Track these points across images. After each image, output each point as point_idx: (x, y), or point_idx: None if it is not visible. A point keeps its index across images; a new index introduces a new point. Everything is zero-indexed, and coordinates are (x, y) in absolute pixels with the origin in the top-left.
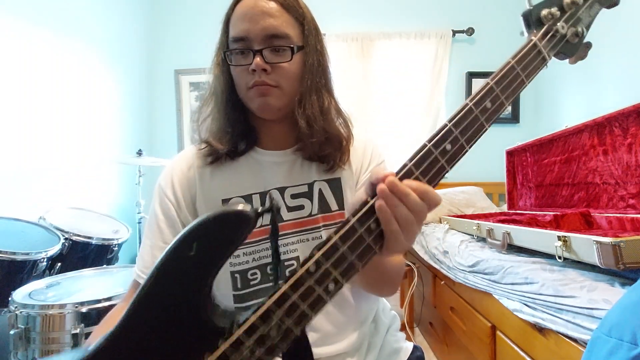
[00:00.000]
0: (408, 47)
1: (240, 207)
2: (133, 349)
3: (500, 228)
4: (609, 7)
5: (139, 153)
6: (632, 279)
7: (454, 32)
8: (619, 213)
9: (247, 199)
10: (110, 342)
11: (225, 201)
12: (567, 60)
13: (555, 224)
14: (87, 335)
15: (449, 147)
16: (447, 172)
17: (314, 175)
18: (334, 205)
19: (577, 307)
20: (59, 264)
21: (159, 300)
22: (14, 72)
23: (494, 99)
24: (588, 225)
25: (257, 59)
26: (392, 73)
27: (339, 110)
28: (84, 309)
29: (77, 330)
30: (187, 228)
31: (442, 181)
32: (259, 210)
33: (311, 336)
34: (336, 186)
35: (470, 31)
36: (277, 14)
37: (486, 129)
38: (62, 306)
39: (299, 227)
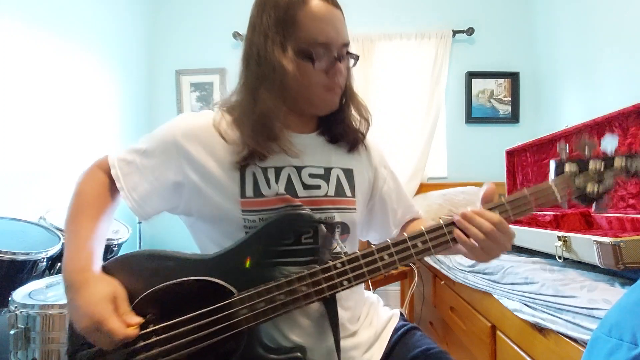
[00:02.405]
0: (408, 48)
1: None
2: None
3: None
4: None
5: None
6: (632, 279)
7: (454, 32)
8: (619, 213)
9: (264, 170)
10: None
11: (243, 167)
12: (593, 207)
13: (555, 224)
14: None
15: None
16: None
17: (333, 160)
18: (348, 192)
19: (577, 307)
20: (59, 264)
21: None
22: (13, 72)
23: (502, 211)
24: (588, 225)
25: (342, 65)
26: (393, 73)
27: (361, 99)
28: None
29: None
30: (281, 215)
31: (442, 182)
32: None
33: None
34: (350, 176)
35: (470, 31)
36: (344, 23)
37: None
38: (62, 306)
39: (312, 204)
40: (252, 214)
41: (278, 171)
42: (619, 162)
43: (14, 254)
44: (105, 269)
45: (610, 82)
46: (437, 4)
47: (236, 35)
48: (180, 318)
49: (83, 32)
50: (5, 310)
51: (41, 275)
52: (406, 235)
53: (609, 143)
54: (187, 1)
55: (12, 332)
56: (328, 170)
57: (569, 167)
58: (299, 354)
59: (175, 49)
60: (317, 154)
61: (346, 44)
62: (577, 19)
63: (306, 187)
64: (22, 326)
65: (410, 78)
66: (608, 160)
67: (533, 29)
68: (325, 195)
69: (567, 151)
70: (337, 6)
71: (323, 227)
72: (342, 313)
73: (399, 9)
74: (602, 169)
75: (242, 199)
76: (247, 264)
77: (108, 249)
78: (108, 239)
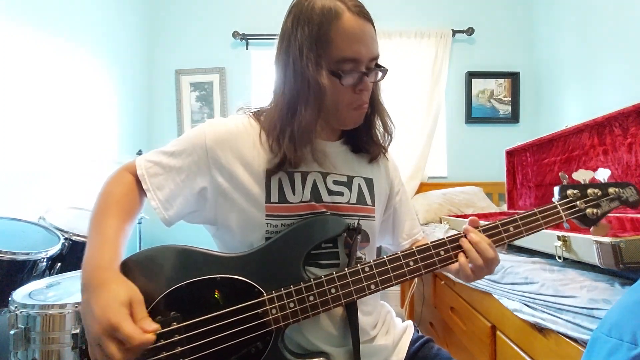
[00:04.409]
0: (408, 47)
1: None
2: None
3: None
4: (632, 206)
5: (139, 153)
6: (632, 279)
7: (454, 32)
8: (619, 213)
9: (290, 175)
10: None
11: (270, 171)
12: (591, 229)
13: None
14: None
15: (511, 229)
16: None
17: (355, 169)
18: (369, 201)
19: (577, 307)
20: (59, 264)
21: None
22: (13, 72)
23: (515, 227)
24: None
25: (369, 82)
26: (392, 72)
27: (387, 112)
28: None
29: (77, 330)
30: (313, 219)
31: (442, 181)
32: (349, 227)
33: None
34: (370, 185)
35: (470, 31)
36: (375, 37)
37: (505, 241)
38: (62, 306)
39: (335, 210)
40: (276, 219)
41: (304, 175)
42: (612, 190)
43: (14, 254)
44: (129, 263)
45: (610, 82)
46: (437, 3)
47: (236, 34)
48: (206, 316)
49: (82, 32)
50: (5, 310)
51: (41, 275)
52: (430, 244)
53: (602, 173)
54: (186, 1)
55: (12, 332)
56: (351, 178)
57: (571, 191)
58: (323, 359)
59: (174, 49)
60: (340, 162)
61: (375, 58)
62: (577, 19)
63: (330, 192)
64: (22, 326)
65: (410, 77)
66: (603, 187)
67: (533, 29)
68: (348, 202)
69: (568, 178)
70: (369, 19)
71: (351, 232)
72: (361, 317)
73: (398, 8)
74: (599, 194)
75: (267, 204)
76: (275, 264)
77: None
78: None
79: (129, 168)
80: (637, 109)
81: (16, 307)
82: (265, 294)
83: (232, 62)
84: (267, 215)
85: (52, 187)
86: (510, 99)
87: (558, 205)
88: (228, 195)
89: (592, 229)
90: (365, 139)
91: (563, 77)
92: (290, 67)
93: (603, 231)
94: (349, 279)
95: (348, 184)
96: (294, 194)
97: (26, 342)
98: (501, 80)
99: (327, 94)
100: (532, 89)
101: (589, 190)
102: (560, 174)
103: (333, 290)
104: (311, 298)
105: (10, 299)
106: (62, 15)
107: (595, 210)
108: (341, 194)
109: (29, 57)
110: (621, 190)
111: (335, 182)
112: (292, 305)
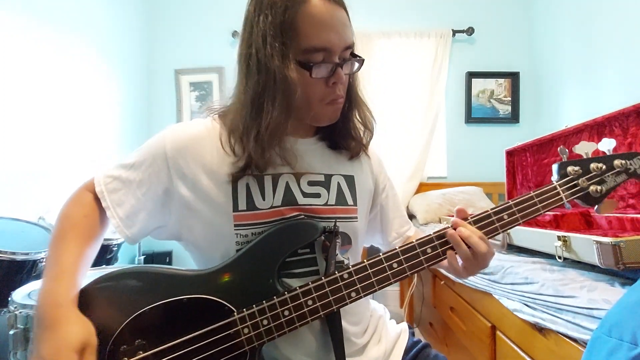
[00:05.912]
0: (408, 47)
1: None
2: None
3: None
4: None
5: None
6: (632, 279)
7: (454, 32)
8: (619, 213)
9: (259, 179)
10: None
11: (235, 176)
12: (595, 208)
13: (555, 223)
14: None
15: (505, 217)
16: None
17: (334, 167)
18: (349, 200)
19: (577, 307)
20: None
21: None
22: (13, 71)
23: (510, 214)
24: (588, 225)
25: (343, 73)
26: (392, 72)
27: (367, 106)
28: None
29: None
30: (283, 225)
31: (442, 181)
32: (325, 229)
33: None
34: (351, 182)
35: (470, 31)
36: (348, 24)
37: (499, 231)
38: None
39: (312, 213)
40: (245, 228)
41: (275, 178)
42: (618, 162)
43: (14, 254)
44: (88, 292)
45: (610, 82)
46: (437, 3)
47: (235, 34)
48: (174, 342)
49: (82, 32)
50: (4, 310)
51: (41, 276)
52: (415, 242)
53: (607, 144)
54: (185, 0)
55: (11, 332)
56: (328, 177)
57: (572, 168)
58: None
59: (174, 49)
60: (316, 160)
61: (349, 47)
62: (577, 19)
63: (306, 195)
64: (22, 326)
65: (410, 77)
66: (608, 160)
67: (533, 29)
68: (326, 204)
69: (568, 153)
70: (340, 4)
71: (325, 236)
72: (347, 327)
73: (398, 7)
74: (603, 169)
75: (234, 213)
76: (245, 278)
77: (107, 250)
78: (107, 239)
79: (88, 186)
80: (637, 109)
81: (15, 307)
82: (236, 313)
83: (232, 62)
84: (235, 225)
85: (52, 187)
86: (510, 99)
87: (558, 186)
88: (192, 207)
89: (596, 207)
90: (343, 134)
91: (563, 77)
92: (253, 59)
93: (609, 209)
94: (327, 289)
95: (325, 184)
96: (263, 199)
97: (25, 342)
98: (501, 80)
99: (297, 89)
100: (532, 89)
101: (592, 165)
102: (559, 148)
103: (310, 303)
104: (286, 313)
105: (9, 299)
106: (62, 14)
107: (599, 187)
108: (317, 195)
109: (29, 57)
110: (628, 162)
111: (311, 183)
112: (265, 322)
